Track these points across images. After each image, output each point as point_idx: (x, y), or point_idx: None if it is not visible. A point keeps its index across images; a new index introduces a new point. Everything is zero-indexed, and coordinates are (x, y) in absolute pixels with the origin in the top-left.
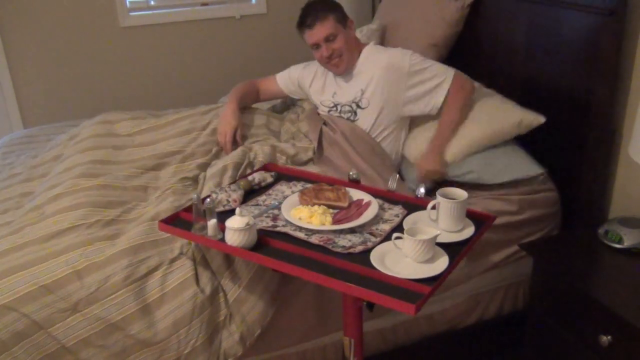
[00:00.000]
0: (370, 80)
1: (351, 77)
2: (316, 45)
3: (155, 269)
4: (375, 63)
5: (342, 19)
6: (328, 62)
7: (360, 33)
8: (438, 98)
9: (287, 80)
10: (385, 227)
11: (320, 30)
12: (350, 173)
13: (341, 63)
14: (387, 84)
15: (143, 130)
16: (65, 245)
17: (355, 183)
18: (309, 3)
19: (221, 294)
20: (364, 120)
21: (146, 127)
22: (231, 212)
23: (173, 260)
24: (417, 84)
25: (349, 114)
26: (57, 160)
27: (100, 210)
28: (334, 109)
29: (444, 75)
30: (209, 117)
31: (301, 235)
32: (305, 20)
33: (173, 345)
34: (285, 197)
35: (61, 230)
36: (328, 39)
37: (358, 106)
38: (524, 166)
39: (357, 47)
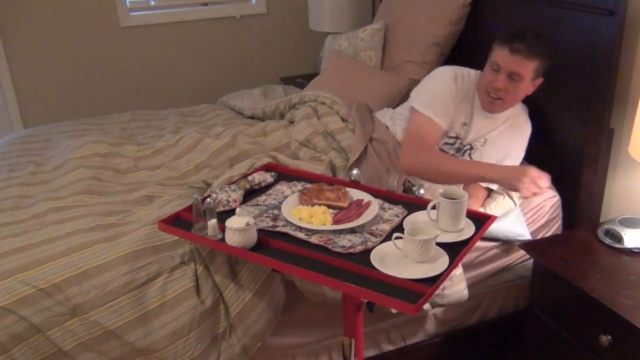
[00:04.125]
0: (496, 138)
1: (490, 120)
2: (497, 68)
3: (156, 277)
4: (513, 128)
5: (540, 72)
6: (488, 92)
7: (363, 33)
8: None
9: (448, 114)
10: (385, 227)
11: (516, 63)
12: (352, 173)
13: (498, 106)
14: (500, 149)
15: (148, 155)
16: (64, 248)
17: (355, 183)
18: (535, 31)
19: (222, 306)
20: None
21: (150, 151)
22: (231, 212)
23: (174, 269)
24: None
25: (457, 154)
26: (58, 170)
27: (102, 217)
28: (453, 141)
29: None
30: (206, 135)
31: (301, 235)
32: (514, 40)
33: (170, 355)
34: (285, 197)
35: (61, 235)
36: (512, 77)
37: (470, 151)
38: (512, 230)
39: (518, 102)
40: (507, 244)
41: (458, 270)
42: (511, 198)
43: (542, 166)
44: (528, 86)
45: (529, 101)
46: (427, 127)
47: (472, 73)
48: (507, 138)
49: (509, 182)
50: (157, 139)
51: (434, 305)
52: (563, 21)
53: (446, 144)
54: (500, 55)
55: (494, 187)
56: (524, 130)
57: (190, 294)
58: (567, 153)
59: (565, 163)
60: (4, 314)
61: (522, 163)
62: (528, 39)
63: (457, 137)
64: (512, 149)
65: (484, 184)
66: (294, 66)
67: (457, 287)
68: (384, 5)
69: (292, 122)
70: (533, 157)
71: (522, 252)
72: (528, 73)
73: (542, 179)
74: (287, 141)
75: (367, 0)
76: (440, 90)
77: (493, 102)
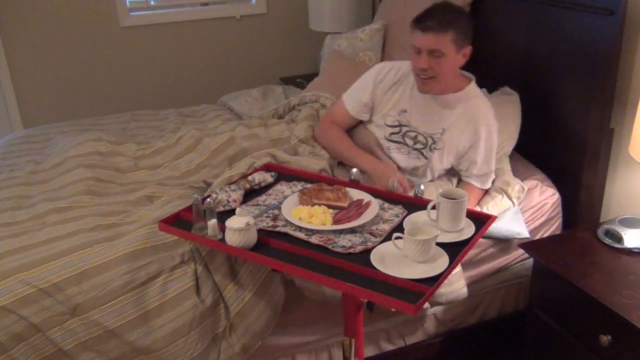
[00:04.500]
0: (454, 125)
1: (438, 105)
2: (418, 51)
3: (156, 276)
4: (471, 116)
5: (461, 41)
6: (418, 74)
7: (362, 33)
8: (469, 174)
9: (359, 102)
10: (385, 227)
11: (430, 41)
12: (352, 172)
13: (431, 85)
14: (464, 135)
15: (148, 155)
16: (64, 248)
17: (355, 183)
18: (442, 4)
19: (222, 305)
20: (437, 163)
21: (150, 151)
22: (231, 212)
23: (174, 269)
24: (474, 154)
25: (422, 148)
26: (57, 168)
27: (102, 217)
28: (397, 130)
29: (490, 180)
30: (205, 132)
31: (301, 235)
32: (422, 20)
33: (170, 355)
34: (285, 197)
35: (61, 235)
36: (433, 53)
37: (434, 145)
38: (510, 229)
39: (457, 78)
40: (505, 242)
41: (456, 269)
42: (510, 198)
43: (542, 165)
44: (455, 58)
45: (528, 100)
46: (339, 110)
47: (404, 64)
48: (464, 125)
49: (372, 177)
50: (157, 139)
51: (433, 303)
52: (563, 21)
53: (392, 134)
54: (415, 37)
55: (488, 185)
56: (483, 117)
57: (190, 293)
58: (567, 153)
59: (565, 163)
60: (4, 314)
61: (512, 154)
62: (435, 14)
63: (400, 125)
64: (476, 137)
65: (477, 185)
66: (294, 66)
67: (455, 285)
68: (383, 5)
69: (292, 120)
70: (533, 156)
71: (521, 251)
72: (447, 46)
73: (391, 188)
74: (287, 135)
75: (367, 0)
76: (360, 83)
77: (425, 82)
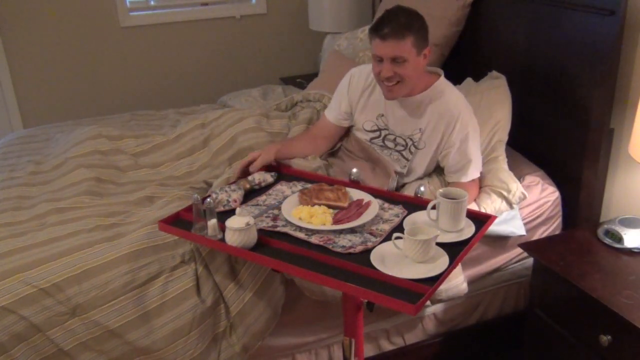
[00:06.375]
0: (429, 122)
1: (410, 107)
2: (379, 59)
3: (156, 276)
4: (442, 109)
5: (421, 43)
6: (382, 82)
7: (362, 33)
8: (449, 163)
9: (338, 109)
10: (385, 227)
11: (390, 48)
12: (352, 172)
13: (397, 91)
14: (439, 130)
15: (148, 150)
16: (65, 248)
17: (355, 183)
18: (394, 9)
19: (222, 305)
20: (420, 162)
21: (150, 146)
22: (231, 212)
23: (174, 269)
24: (449, 146)
25: (402, 149)
26: (58, 169)
27: (103, 217)
28: (377, 134)
29: (474, 169)
30: (208, 130)
31: (301, 235)
32: (380, 28)
33: (170, 355)
34: (285, 197)
35: (61, 235)
36: (395, 60)
37: (414, 145)
38: (506, 226)
39: (423, 78)
40: (502, 240)
41: None
42: (510, 204)
43: (543, 165)
44: (417, 61)
45: (528, 100)
46: (320, 122)
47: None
48: (437, 120)
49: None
50: (156, 134)
51: (433, 301)
52: (563, 21)
53: (372, 138)
54: (375, 46)
55: (469, 177)
56: (455, 109)
57: (190, 293)
58: (567, 152)
59: (565, 162)
60: (4, 314)
61: (512, 152)
62: (391, 21)
63: (379, 129)
64: (449, 129)
65: (462, 179)
66: (294, 66)
67: (454, 280)
68: (384, 5)
69: (294, 115)
70: (533, 155)
71: (519, 249)
72: (409, 51)
73: None
74: (287, 132)
75: (367, 0)
76: (337, 91)
77: (391, 89)
